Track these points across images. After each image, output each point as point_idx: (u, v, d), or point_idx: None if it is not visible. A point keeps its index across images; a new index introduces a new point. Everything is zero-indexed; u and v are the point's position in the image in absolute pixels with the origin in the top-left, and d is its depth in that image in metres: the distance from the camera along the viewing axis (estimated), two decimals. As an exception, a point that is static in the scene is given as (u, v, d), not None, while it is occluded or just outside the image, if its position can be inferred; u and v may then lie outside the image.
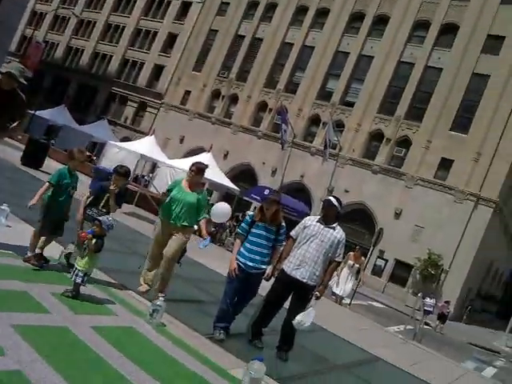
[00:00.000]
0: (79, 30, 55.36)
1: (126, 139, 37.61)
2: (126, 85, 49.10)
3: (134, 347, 4.67)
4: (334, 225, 6.12)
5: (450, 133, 32.29)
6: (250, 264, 5.96)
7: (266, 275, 6.02)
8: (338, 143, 33.76)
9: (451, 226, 29.87)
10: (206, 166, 6.92)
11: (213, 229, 17.58)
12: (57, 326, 4.48)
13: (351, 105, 36.48)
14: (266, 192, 18.67)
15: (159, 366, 4.40)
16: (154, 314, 5.41)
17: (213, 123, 41.83)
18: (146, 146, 20.25)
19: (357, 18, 37.83)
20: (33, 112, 32.04)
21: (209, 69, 43.87)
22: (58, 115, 33.45)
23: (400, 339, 11.92)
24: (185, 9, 47.91)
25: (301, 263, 5.98)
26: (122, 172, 6.45)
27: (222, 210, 7.51)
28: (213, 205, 8.29)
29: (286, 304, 6.21)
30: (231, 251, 6.31)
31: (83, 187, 8.61)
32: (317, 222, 6.14)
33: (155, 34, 49.30)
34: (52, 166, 17.09)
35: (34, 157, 18.35)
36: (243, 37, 43.09)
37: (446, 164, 32.02)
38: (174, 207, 6.54)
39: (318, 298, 5.99)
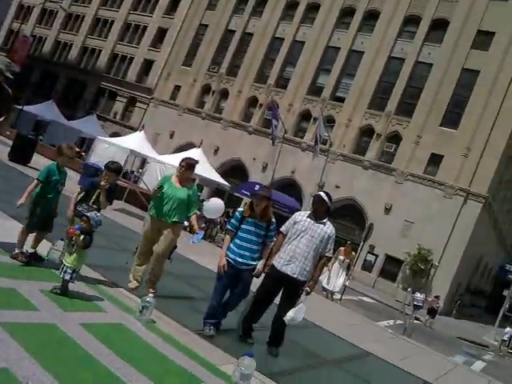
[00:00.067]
0: (67, 24, 54.85)
1: (115, 135, 37.33)
2: (115, 80, 48.75)
3: (123, 344, 4.64)
4: (324, 220, 6.12)
5: (439, 128, 32.44)
6: (240, 260, 5.94)
7: (256, 271, 6.01)
8: (328, 139, 33.79)
9: (441, 221, 30.05)
10: (196, 162, 6.89)
11: (203, 225, 17.53)
12: (45, 324, 4.43)
13: (342, 100, 36.51)
14: (257, 188, 18.61)
15: (149, 362, 4.38)
16: (143, 310, 5.37)
17: (203, 118, 41.68)
18: (135, 141, 20.08)
19: (347, 13, 37.81)
20: (21, 107, 31.73)
21: (199, 64, 43.67)
22: (46, 110, 33.10)
23: (390, 334, 11.98)
24: (174, 3, 47.57)
25: (291, 259, 5.97)
26: (113, 168, 6.40)
27: (214, 205, 7.46)
28: (203, 200, 8.25)
29: (277, 300, 6.20)
30: (222, 247, 6.28)
31: (71, 183, 8.54)
32: (307, 217, 6.13)
33: (145, 28, 48.96)
34: (40, 161, 16.95)
35: (21, 152, 18.15)
36: (233, 31, 42.92)
37: (435, 159, 32.17)
38: (164, 203, 6.49)
39: (308, 293, 5.99)
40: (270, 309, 6.22)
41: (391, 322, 17.23)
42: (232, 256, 5.96)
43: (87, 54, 52.31)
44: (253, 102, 40.40)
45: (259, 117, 39.32)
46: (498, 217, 37.34)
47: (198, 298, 8.03)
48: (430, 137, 32.32)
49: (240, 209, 6.26)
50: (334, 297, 15.45)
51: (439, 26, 34.15)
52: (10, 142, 19.63)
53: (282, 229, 6.20)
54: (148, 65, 47.61)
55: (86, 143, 34.28)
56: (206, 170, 19.11)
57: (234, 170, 38.27)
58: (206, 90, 43.14)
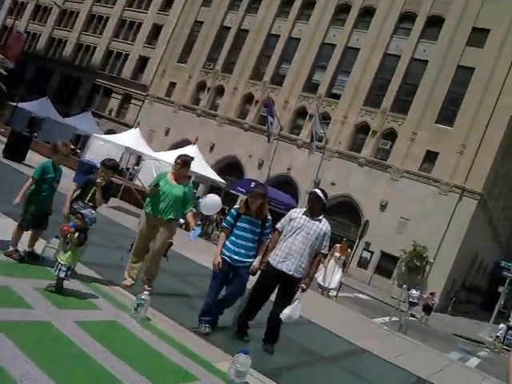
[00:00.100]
0: (62, 21, 54.55)
1: (110, 132, 37.28)
2: (110, 76, 48.55)
3: (118, 342, 4.62)
4: (319, 217, 6.11)
5: (435, 125, 32.48)
6: (235, 257, 5.93)
7: (252, 267, 6.00)
8: (324, 136, 33.79)
9: (436, 218, 30.12)
10: (192, 159, 6.87)
11: (199, 222, 17.50)
12: (40, 321, 4.41)
13: (337, 97, 36.49)
14: (253, 185, 18.61)
15: (144, 360, 4.36)
16: (138, 308, 5.36)
17: (198, 115, 41.59)
18: (130, 138, 20.02)
19: (343, 9, 37.76)
20: (15, 104, 31.57)
21: (194, 60, 43.54)
22: (40, 107, 32.94)
23: (386, 331, 12.01)
24: None
25: (287, 256, 5.96)
26: (110, 165, 6.38)
27: (211, 201, 7.43)
28: (199, 198, 8.22)
29: (272, 297, 6.20)
30: (217, 245, 6.27)
31: (67, 180, 8.50)
32: (303, 214, 6.12)
33: (140, 25, 48.75)
34: (35, 159, 16.86)
35: (16, 150, 18.07)
36: (229, 28, 42.81)
37: (431, 156, 32.22)
38: (160, 200, 6.47)
39: (303, 290, 5.99)
40: (266, 306, 6.21)
41: (387, 318, 17.26)
42: (227, 253, 5.95)
43: (82, 51, 52.06)
44: (248, 98, 40.34)
45: (255, 114, 39.26)
46: (493, 213, 37.47)
47: (193, 295, 8.02)
48: (426, 134, 32.36)
49: (236, 206, 6.25)
50: (330, 294, 15.47)
51: (435, 23, 34.16)
52: (5, 139, 19.54)
53: (278, 226, 6.19)
54: (143, 61, 47.44)
55: (81, 140, 34.18)
56: (201, 167, 19.06)
57: (230, 167, 38.22)
58: (202, 86, 43.03)
